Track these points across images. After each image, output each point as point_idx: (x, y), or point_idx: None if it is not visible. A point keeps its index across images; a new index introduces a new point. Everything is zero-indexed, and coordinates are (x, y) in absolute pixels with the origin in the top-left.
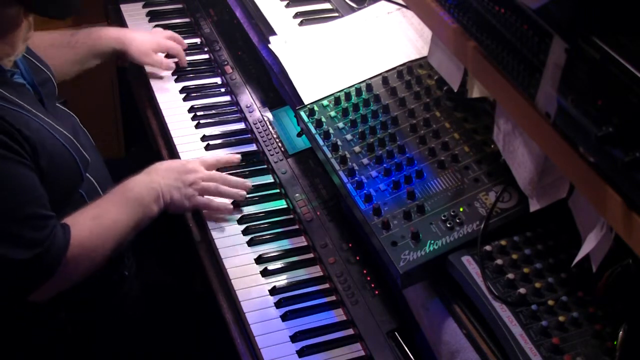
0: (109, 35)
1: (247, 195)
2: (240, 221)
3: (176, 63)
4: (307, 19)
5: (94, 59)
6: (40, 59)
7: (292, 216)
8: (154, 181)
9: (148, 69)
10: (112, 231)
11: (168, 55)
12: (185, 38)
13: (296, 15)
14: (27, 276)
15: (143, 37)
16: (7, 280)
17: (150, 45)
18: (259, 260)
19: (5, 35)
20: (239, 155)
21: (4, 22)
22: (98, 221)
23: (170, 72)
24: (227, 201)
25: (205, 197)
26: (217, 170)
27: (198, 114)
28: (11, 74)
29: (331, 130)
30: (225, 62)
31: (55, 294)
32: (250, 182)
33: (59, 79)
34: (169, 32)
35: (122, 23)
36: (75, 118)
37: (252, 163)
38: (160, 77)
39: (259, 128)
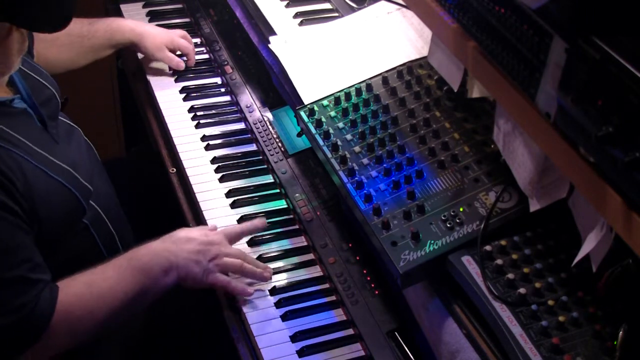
0: (127, 26)
1: (247, 195)
2: (240, 221)
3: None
4: (307, 19)
5: (109, 49)
6: (43, 73)
7: (292, 216)
8: (168, 250)
9: (152, 64)
10: (106, 301)
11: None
12: None
13: (296, 15)
14: (6, 342)
15: (157, 32)
16: None
17: (163, 40)
18: (259, 260)
19: None
20: (264, 219)
21: None
22: (90, 288)
23: (175, 71)
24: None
25: (225, 276)
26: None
27: (198, 114)
28: (10, 101)
29: (331, 130)
30: (225, 62)
31: (41, 358)
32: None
33: (72, 67)
34: (182, 32)
35: None
36: (78, 130)
37: (252, 163)
38: (160, 77)
39: (259, 128)
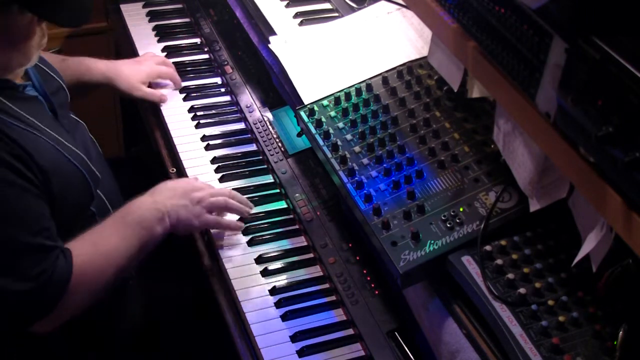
0: (97, 68)
1: (247, 196)
2: (240, 221)
3: (179, 60)
4: (307, 19)
5: (81, 89)
6: (51, 66)
7: (292, 216)
8: (157, 202)
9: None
10: (113, 258)
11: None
12: (185, 38)
13: (296, 15)
14: (28, 308)
15: (130, 71)
16: (7, 313)
17: (138, 77)
18: (259, 260)
19: (19, 45)
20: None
21: (17, 31)
22: (97, 248)
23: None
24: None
25: (214, 215)
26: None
27: (198, 114)
28: (23, 87)
29: (331, 130)
30: (225, 62)
31: (57, 326)
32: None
33: None
34: (160, 58)
35: (122, 23)
36: (83, 125)
37: (252, 163)
38: (164, 102)
39: (259, 128)
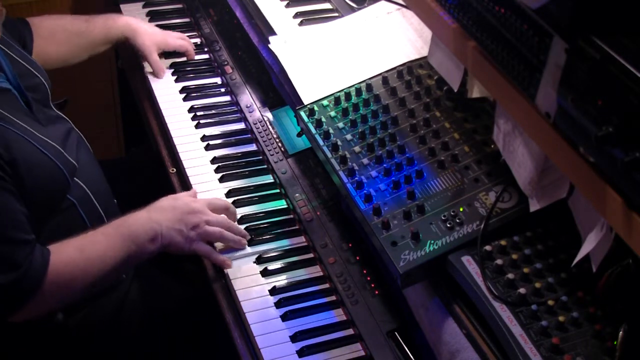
0: (123, 21)
1: (247, 195)
2: (240, 221)
3: (179, 60)
4: (307, 19)
5: (106, 45)
6: (33, 63)
7: (292, 216)
8: (153, 219)
9: (148, 68)
10: (96, 265)
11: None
12: None
13: (296, 15)
14: (2, 301)
15: (153, 31)
16: None
17: (157, 40)
18: (259, 260)
19: None
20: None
21: None
22: (82, 252)
23: (175, 71)
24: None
25: (208, 245)
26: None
27: (198, 114)
28: None
29: (331, 130)
30: (225, 62)
31: (29, 317)
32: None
33: (71, 62)
34: (179, 34)
35: None
36: (69, 122)
37: (252, 163)
38: (160, 77)
39: (259, 128)
